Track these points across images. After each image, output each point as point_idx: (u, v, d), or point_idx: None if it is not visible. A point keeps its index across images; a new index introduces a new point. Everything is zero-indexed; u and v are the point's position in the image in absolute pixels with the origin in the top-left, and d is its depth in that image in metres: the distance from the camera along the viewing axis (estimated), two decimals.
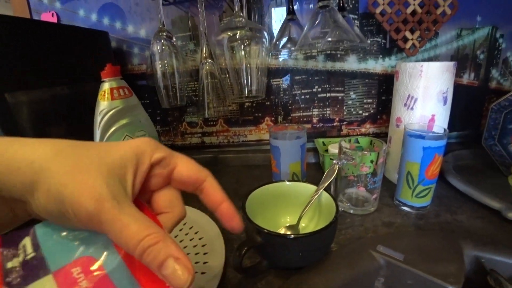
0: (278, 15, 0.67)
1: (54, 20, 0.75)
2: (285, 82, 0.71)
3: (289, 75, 0.70)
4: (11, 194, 0.17)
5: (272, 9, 0.67)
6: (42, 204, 0.17)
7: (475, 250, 0.40)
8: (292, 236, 0.33)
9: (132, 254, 0.17)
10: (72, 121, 0.59)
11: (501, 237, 0.43)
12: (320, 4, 0.46)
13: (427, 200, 0.48)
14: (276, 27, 0.68)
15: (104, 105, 0.52)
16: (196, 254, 0.40)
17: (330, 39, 0.44)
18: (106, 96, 0.53)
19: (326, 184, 0.42)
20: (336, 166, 0.44)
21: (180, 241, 0.42)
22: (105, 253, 0.18)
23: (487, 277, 0.38)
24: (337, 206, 0.38)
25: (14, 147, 0.17)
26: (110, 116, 0.52)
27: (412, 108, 0.53)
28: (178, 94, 0.61)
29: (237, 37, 0.50)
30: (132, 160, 0.20)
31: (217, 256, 0.38)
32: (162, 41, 0.57)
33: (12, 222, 0.21)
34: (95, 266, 0.18)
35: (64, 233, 0.19)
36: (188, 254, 0.40)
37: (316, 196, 0.41)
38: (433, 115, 0.52)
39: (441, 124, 0.53)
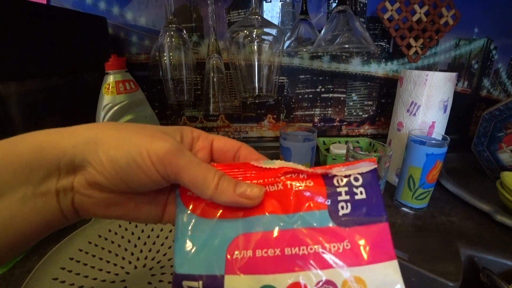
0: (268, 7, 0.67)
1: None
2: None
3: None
4: (70, 158, 0.18)
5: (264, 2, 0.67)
6: (110, 157, 0.18)
7: (469, 250, 0.44)
8: None
9: (208, 186, 0.19)
10: (68, 114, 0.55)
11: (490, 237, 0.47)
12: (339, 8, 0.47)
13: (425, 202, 0.52)
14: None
15: (108, 99, 0.50)
16: None
17: (347, 45, 0.45)
18: (110, 89, 0.50)
19: None
20: None
21: None
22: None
23: (480, 274, 0.42)
24: None
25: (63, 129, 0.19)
26: (114, 111, 0.50)
27: (414, 114, 0.56)
28: (185, 89, 0.60)
29: (254, 35, 0.50)
30: (178, 131, 0.23)
31: None
32: (172, 33, 0.55)
33: (58, 223, 0.20)
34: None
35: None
36: None
37: None
38: (434, 122, 0.55)
39: (439, 130, 0.56)
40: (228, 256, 0.18)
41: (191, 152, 0.21)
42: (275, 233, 0.19)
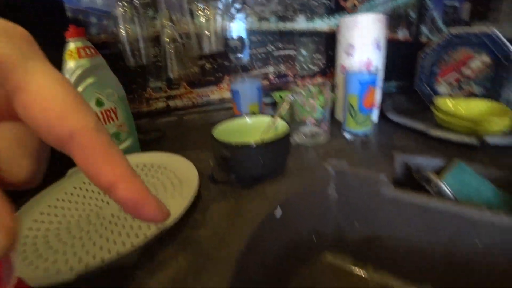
0: None
1: None
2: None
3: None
4: None
5: None
6: None
7: (404, 156, 0.50)
8: (254, 143, 0.39)
9: None
10: None
11: (424, 147, 0.52)
12: None
13: (367, 126, 0.57)
14: None
15: (71, 64, 0.52)
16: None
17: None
18: (73, 55, 0.53)
19: (280, 109, 0.48)
20: (287, 98, 0.50)
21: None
22: None
23: (413, 173, 0.47)
24: (289, 124, 0.45)
25: None
26: (78, 75, 0.52)
27: (352, 55, 0.61)
28: (143, 54, 0.64)
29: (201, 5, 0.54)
30: None
31: (191, 182, 0.43)
32: (123, 3, 0.59)
33: None
34: None
35: None
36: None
37: (274, 121, 0.47)
38: (369, 59, 0.61)
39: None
40: None
41: None
42: None
